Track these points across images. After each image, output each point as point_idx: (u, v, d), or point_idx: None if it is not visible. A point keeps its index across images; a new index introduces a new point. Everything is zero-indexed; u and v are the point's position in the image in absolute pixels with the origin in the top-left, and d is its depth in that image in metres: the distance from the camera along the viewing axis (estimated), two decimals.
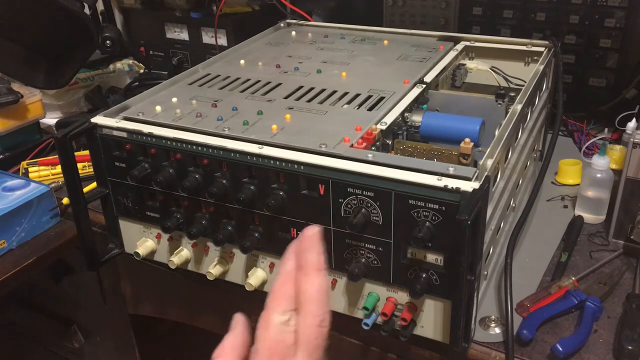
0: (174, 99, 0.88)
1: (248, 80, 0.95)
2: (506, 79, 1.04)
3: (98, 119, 0.83)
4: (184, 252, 0.85)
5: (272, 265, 0.80)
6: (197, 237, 0.81)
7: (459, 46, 1.07)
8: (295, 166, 0.71)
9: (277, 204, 0.73)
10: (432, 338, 0.73)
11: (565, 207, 1.01)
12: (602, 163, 0.93)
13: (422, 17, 1.32)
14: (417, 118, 0.84)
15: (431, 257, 0.69)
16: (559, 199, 1.03)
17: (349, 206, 0.70)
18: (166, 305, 1.07)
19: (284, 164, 0.72)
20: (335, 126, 0.78)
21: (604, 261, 0.88)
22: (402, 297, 0.72)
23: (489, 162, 0.70)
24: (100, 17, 1.54)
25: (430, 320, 0.72)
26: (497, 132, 0.80)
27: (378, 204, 0.68)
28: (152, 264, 0.91)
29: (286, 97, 0.88)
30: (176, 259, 0.84)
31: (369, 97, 0.87)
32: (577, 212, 0.98)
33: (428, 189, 0.65)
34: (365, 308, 0.73)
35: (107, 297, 1.16)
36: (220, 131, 0.77)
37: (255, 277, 0.80)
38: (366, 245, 0.71)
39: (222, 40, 1.46)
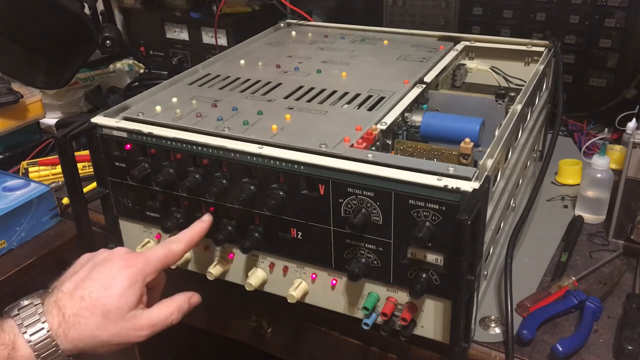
0: (174, 99, 0.88)
1: (248, 80, 0.95)
2: (506, 79, 1.04)
3: (98, 119, 0.83)
4: None
5: (272, 265, 0.80)
6: None
7: (459, 46, 1.07)
8: (295, 166, 0.71)
9: (277, 204, 0.73)
10: (432, 338, 0.73)
11: (565, 207, 1.01)
12: (602, 163, 0.93)
13: (422, 17, 1.32)
14: (417, 118, 0.84)
15: (431, 257, 0.69)
16: (559, 199, 1.03)
17: (349, 206, 0.70)
18: None
19: (284, 164, 0.72)
20: (335, 126, 0.78)
21: (604, 261, 0.88)
22: (402, 297, 0.72)
23: (489, 162, 0.70)
24: (100, 17, 1.54)
25: (430, 320, 0.72)
26: (497, 132, 0.80)
27: (378, 204, 0.68)
28: None
29: (286, 97, 0.88)
30: None
31: (369, 97, 0.87)
32: (577, 212, 0.98)
33: (428, 189, 0.65)
34: (365, 308, 0.73)
35: None
36: (220, 131, 0.77)
37: (255, 277, 0.80)
38: (366, 245, 0.71)
39: (222, 40, 1.46)
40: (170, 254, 0.72)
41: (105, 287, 0.66)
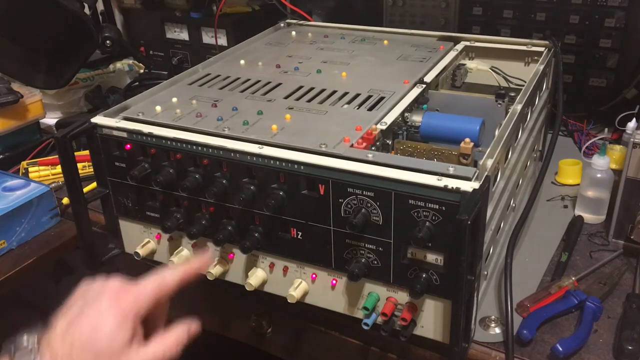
0: (174, 99, 0.88)
1: (248, 80, 0.95)
2: (506, 79, 1.04)
3: (98, 119, 0.83)
4: (184, 252, 0.85)
5: (272, 265, 0.80)
6: (197, 237, 0.81)
7: (459, 46, 1.07)
8: (295, 166, 0.71)
9: (277, 204, 0.73)
10: (432, 338, 0.73)
11: (565, 207, 1.01)
12: (602, 163, 0.93)
13: (422, 17, 1.32)
14: (417, 118, 0.84)
15: (431, 257, 0.69)
16: (559, 199, 1.03)
17: (349, 206, 0.70)
18: None
19: (284, 164, 0.72)
20: (335, 126, 0.78)
21: (604, 261, 0.88)
22: (402, 297, 0.72)
23: (489, 162, 0.70)
24: (100, 17, 1.54)
25: (430, 320, 0.72)
26: (497, 132, 0.80)
27: (378, 204, 0.68)
28: (152, 264, 0.90)
29: (286, 97, 0.88)
30: (176, 259, 0.84)
31: (369, 97, 0.87)
32: (577, 212, 0.98)
33: (428, 189, 0.65)
34: (365, 308, 0.73)
35: None
36: (220, 131, 0.77)
37: (255, 277, 0.80)
38: (366, 245, 0.71)
39: (222, 40, 1.46)
40: (163, 284, 0.68)
41: (95, 328, 0.64)
